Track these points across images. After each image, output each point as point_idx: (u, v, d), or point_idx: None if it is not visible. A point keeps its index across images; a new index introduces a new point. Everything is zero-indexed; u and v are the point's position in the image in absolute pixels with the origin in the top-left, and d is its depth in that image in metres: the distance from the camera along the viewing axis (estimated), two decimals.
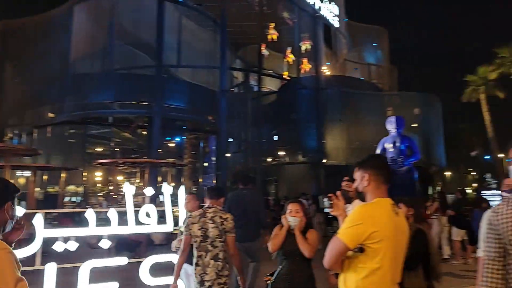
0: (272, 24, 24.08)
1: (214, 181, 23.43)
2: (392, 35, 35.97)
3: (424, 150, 25.17)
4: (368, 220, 1.99)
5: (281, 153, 26.32)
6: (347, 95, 24.53)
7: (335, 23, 25.34)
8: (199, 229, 3.50)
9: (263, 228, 6.23)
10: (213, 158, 25.59)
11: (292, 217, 3.25)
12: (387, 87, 34.45)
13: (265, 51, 25.70)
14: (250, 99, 24.20)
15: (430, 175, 30.69)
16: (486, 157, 35.23)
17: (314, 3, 23.46)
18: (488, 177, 41.09)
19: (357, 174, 2.23)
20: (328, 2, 24.37)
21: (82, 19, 18.86)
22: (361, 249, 2.00)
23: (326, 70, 28.53)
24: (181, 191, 4.41)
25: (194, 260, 3.51)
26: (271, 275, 3.34)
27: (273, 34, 24.12)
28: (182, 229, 3.90)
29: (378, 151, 11.91)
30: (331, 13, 24.64)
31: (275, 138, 25.95)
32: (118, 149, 26.80)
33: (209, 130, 22.04)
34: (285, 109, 25.30)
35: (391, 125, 11.09)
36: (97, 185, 29.88)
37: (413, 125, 26.40)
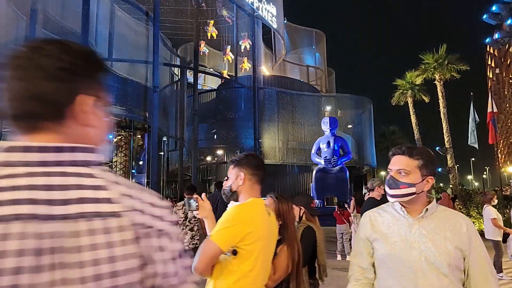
0: (212, 22, 23.59)
1: (146, 180, 22.40)
2: (330, 39, 37.30)
3: (357, 150, 26.26)
4: (243, 220, 1.93)
5: (219, 152, 25.96)
6: (285, 95, 24.82)
7: (274, 24, 25.48)
8: (183, 213, 5.75)
9: None
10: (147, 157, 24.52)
11: None
12: (324, 89, 35.60)
13: (204, 49, 25.11)
14: (188, 96, 23.52)
15: (363, 175, 32.23)
16: None
17: (253, 2, 23.35)
18: None
19: (232, 172, 2.13)
20: (266, 2, 24.40)
21: (1, 4, 16.96)
22: (234, 252, 1.90)
23: (265, 70, 28.67)
24: None
25: None
26: None
27: (212, 32, 23.63)
28: None
29: (313, 151, 12.01)
30: (269, 13, 24.74)
31: (214, 137, 25.52)
32: None
33: (143, 128, 21.00)
34: (223, 107, 24.96)
35: (325, 126, 11.26)
36: None
37: (349, 126, 27.46)
